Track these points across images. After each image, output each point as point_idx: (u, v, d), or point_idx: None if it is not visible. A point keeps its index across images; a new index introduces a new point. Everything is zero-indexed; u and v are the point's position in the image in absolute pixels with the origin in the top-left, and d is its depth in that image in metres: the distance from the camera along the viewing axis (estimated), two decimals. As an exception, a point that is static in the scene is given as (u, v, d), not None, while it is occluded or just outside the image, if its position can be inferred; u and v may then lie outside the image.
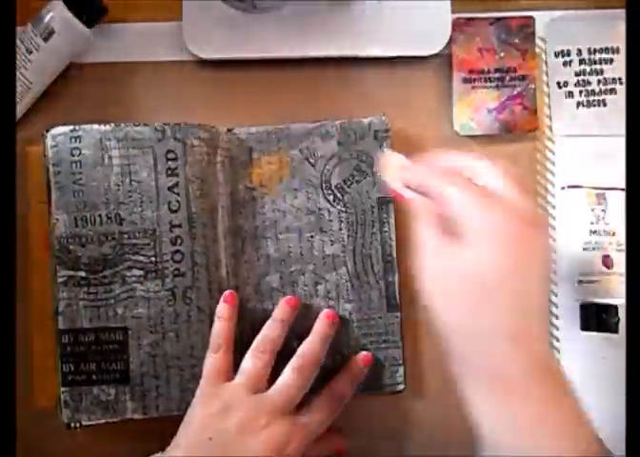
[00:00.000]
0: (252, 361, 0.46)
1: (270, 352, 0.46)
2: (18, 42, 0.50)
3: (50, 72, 0.52)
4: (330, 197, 0.51)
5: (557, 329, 0.53)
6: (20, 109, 0.52)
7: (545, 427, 0.37)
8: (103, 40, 0.54)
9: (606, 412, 0.53)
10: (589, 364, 0.53)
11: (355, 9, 0.53)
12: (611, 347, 0.53)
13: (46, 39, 0.50)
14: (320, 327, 0.48)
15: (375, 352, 0.51)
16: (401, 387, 0.51)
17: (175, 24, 0.53)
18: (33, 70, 0.51)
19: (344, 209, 0.51)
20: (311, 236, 0.51)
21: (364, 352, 0.50)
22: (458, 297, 0.37)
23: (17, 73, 0.50)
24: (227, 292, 0.48)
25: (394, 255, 0.51)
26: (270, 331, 0.47)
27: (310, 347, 0.47)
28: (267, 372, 0.46)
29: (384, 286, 0.51)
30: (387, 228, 0.51)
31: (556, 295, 0.53)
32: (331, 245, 0.51)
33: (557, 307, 0.53)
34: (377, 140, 0.51)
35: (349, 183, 0.51)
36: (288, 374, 0.45)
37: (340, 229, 0.51)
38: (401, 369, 0.51)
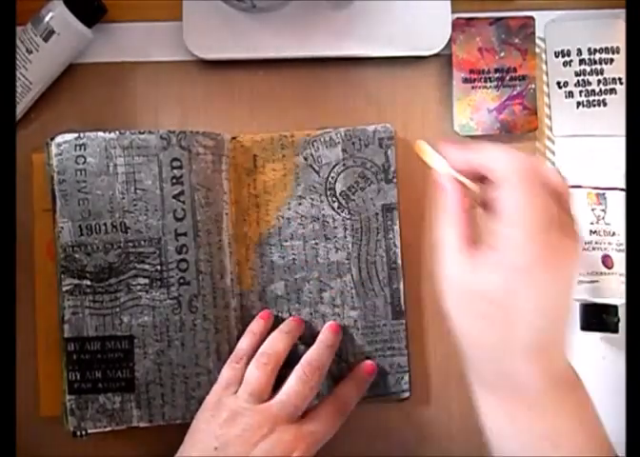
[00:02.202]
0: (256, 372, 0.45)
1: (273, 363, 0.46)
2: (18, 42, 0.50)
3: (51, 72, 0.52)
4: (335, 204, 0.51)
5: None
6: (20, 109, 0.52)
7: (557, 442, 0.36)
8: (103, 40, 0.54)
9: (606, 412, 0.53)
10: (589, 364, 0.53)
11: (355, 10, 0.53)
12: (611, 347, 0.53)
13: (46, 39, 0.50)
14: (325, 335, 0.49)
15: (380, 360, 0.50)
16: (406, 394, 0.51)
17: (175, 24, 0.53)
18: (33, 70, 0.51)
19: (348, 217, 0.51)
20: (316, 243, 0.51)
21: (368, 361, 0.50)
22: (476, 308, 0.36)
23: (17, 73, 0.50)
24: (265, 311, 0.49)
25: (399, 262, 0.51)
26: (275, 343, 0.47)
27: (314, 355, 0.47)
28: (271, 382, 0.45)
29: (389, 293, 0.51)
30: (391, 235, 0.51)
31: (556, 295, 0.53)
32: (336, 252, 0.51)
33: (557, 307, 0.53)
34: (382, 147, 0.51)
35: (353, 190, 0.51)
36: (292, 382, 0.45)
37: (345, 237, 0.51)
38: (406, 377, 0.51)
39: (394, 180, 0.51)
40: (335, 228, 0.51)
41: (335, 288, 0.51)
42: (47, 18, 0.50)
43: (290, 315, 0.51)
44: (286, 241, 0.51)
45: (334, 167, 0.51)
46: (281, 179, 0.51)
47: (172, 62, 0.54)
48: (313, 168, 0.51)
